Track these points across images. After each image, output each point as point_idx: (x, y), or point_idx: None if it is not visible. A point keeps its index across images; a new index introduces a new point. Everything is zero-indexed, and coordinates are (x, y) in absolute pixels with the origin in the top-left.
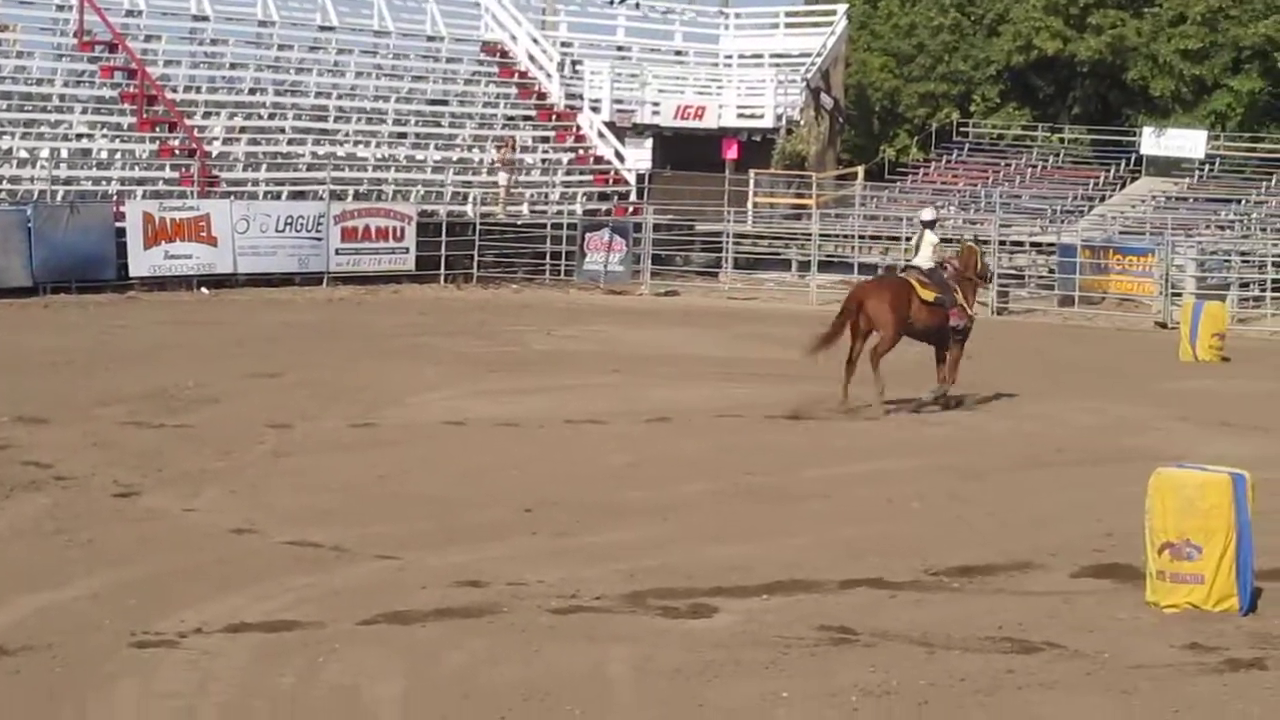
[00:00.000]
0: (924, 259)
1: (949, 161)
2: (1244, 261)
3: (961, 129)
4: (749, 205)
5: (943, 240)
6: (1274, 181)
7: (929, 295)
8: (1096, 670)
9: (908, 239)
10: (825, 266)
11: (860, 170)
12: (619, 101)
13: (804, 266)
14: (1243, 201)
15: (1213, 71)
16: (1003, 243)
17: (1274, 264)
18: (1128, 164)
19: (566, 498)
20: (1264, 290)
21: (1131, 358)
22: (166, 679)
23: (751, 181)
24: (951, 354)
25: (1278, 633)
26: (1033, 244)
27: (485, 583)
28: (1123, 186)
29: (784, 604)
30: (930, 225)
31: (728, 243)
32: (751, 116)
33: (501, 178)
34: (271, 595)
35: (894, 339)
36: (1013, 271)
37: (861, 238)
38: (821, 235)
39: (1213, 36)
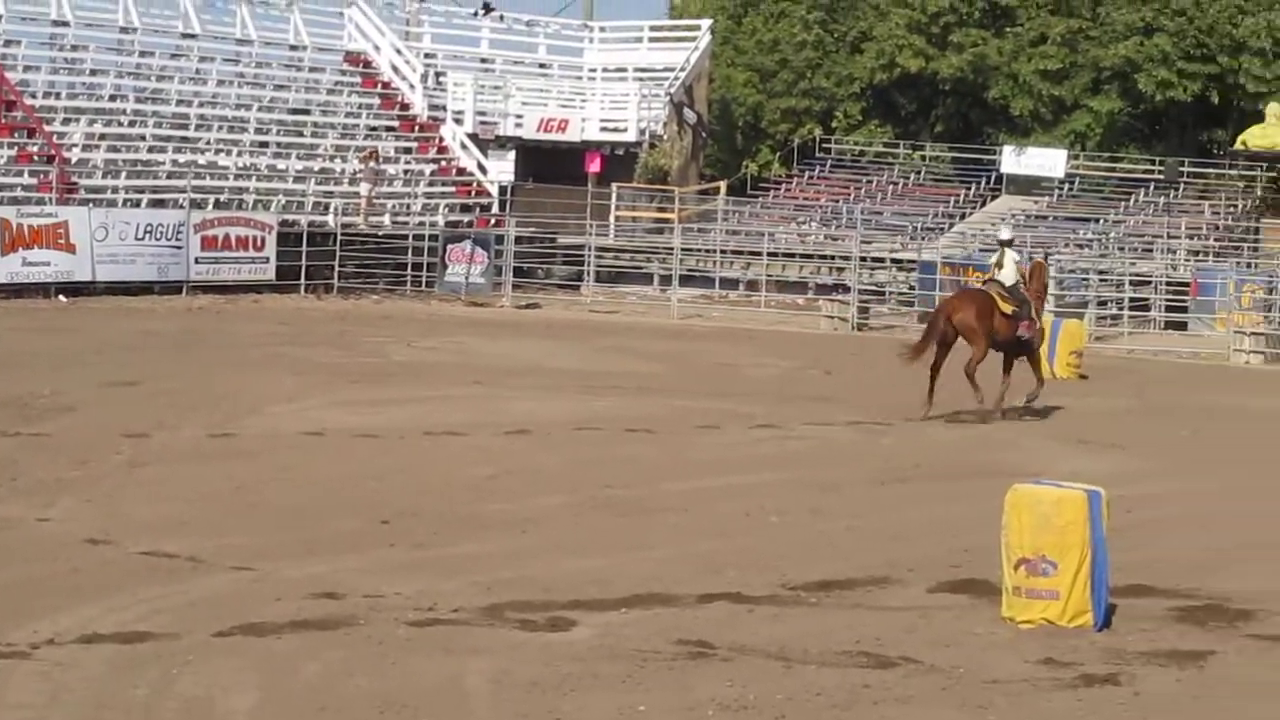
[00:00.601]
0: (1008, 275)
1: (811, 178)
2: (1102, 280)
3: (824, 145)
4: (611, 219)
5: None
6: (1132, 201)
7: (1008, 308)
8: (952, 685)
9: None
10: (687, 281)
11: (723, 185)
12: (482, 113)
13: (665, 280)
14: (1101, 221)
15: (1073, 92)
16: (863, 259)
17: (1131, 283)
18: (988, 182)
19: (425, 509)
20: (1121, 309)
21: (990, 374)
22: (17, 690)
23: (614, 195)
24: (1031, 361)
25: (1131, 649)
26: (893, 260)
27: (342, 594)
28: (983, 204)
29: (642, 617)
30: (1009, 244)
31: (590, 256)
32: (615, 130)
33: (363, 188)
34: (126, 606)
35: (984, 350)
36: (873, 288)
37: (723, 252)
38: (683, 249)
39: (1073, 57)
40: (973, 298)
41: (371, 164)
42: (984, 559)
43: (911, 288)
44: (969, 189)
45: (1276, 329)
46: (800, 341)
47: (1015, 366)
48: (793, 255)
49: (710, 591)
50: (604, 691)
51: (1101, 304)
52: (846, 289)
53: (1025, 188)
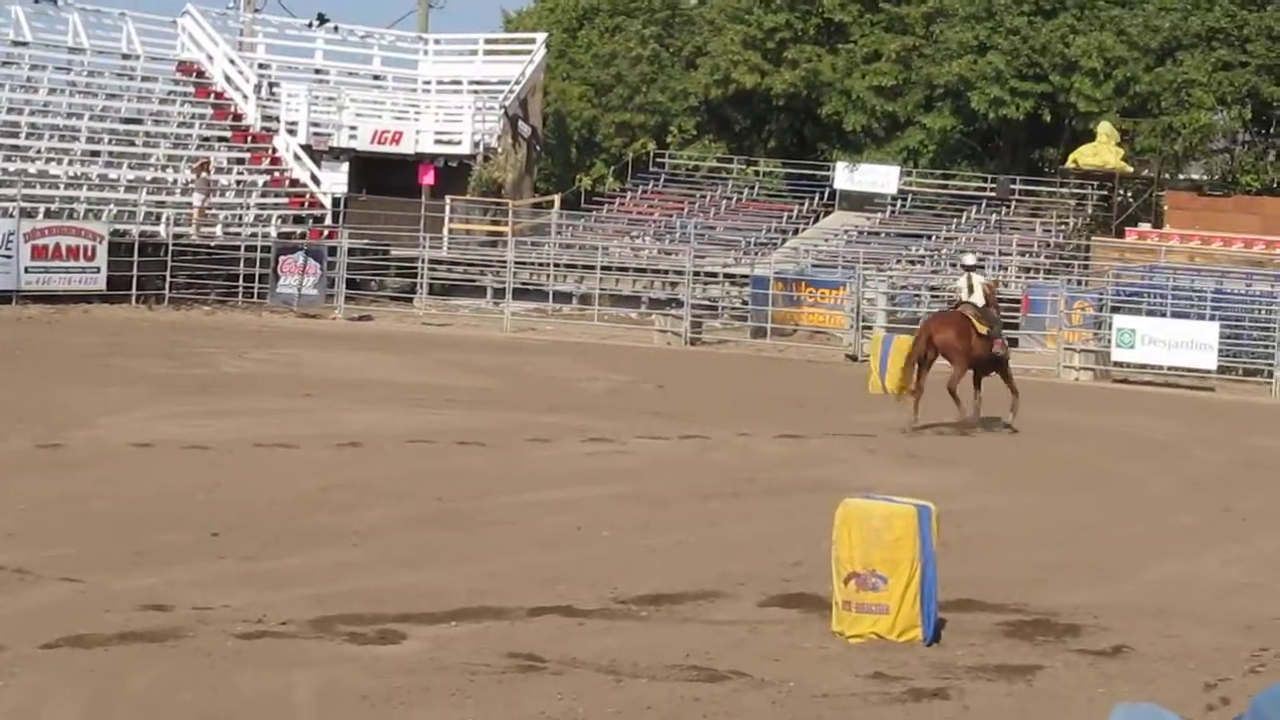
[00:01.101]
0: (979, 298)
1: (645, 192)
2: (933, 296)
3: (658, 160)
4: (445, 231)
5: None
6: (964, 218)
7: (983, 329)
8: (782, 699)
9: (605, 268)
10: (520, 294)
11: (557, 199)
12: (316, 124)
13: (499, 294)
14: (933, 237)
15: (906, 109)
16: (696, 274)
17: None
18: (821, 198)
19: (255, 522)
20: None
21: (822, 390)
22: None
23: (448, 208)
24: (1004, 375)
25: (960, 663)
26: (726, 275)
27: (170, 606)
28: (816, 220)
29: (472, 631)
30: (974, 269)
31: (423, 268)
32: (449, 142)
33: (196, 198)
34: None
35: (965, 367)
36: (706, 302)
37: (557, 265)
38: (517, 263)
39: (906, 74)
40: (951, 320)
41: (204, 175)
42: (814, 573)
43: (744, 303)
44: (802, 204)
45: (1105, 346)
46: (633, 356)
47: (984, 382)
48: (626, 269)
49: (541, 604)
50: (433, 705)
51: None
52: (680, 304)
53: (858, 204)
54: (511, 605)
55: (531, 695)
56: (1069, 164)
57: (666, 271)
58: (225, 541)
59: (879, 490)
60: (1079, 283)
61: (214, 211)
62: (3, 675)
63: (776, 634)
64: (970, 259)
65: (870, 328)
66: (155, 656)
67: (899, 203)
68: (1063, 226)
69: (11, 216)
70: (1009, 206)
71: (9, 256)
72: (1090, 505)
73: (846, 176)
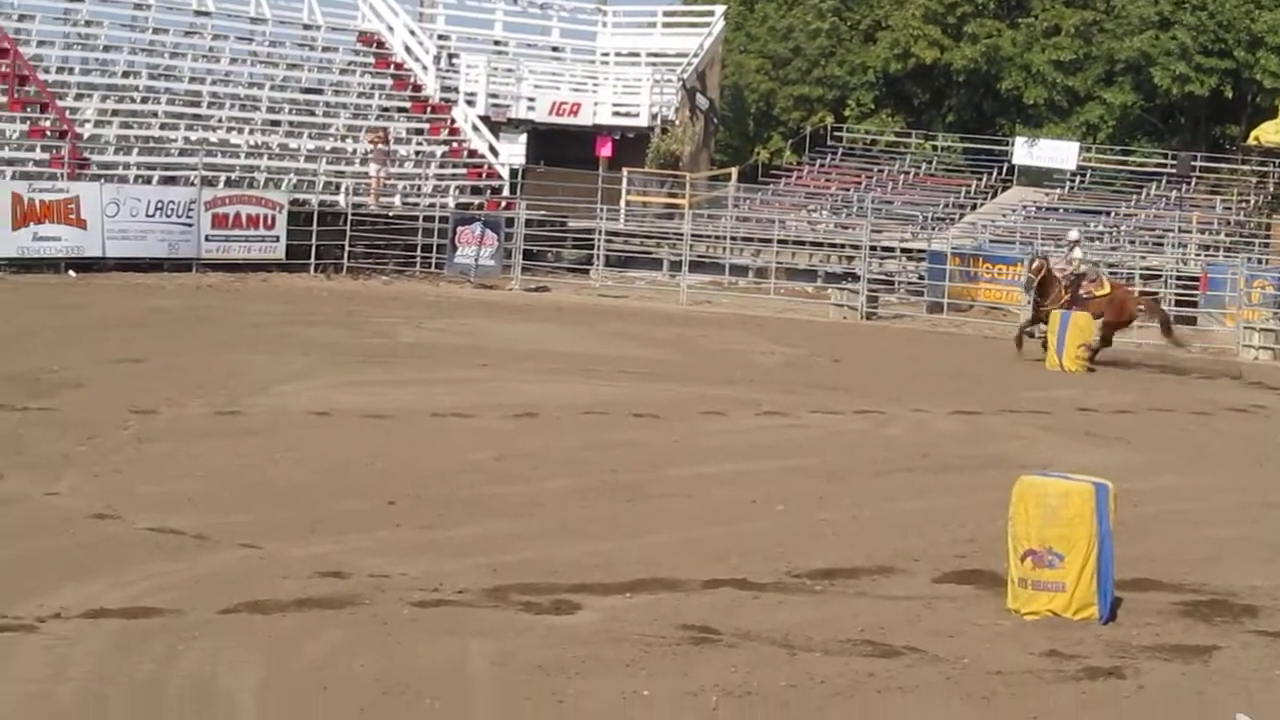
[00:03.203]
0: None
1: (822, 165)
2: (1112, 273)
3: (836, 134)
4: (622, 203)
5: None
6: (1143, 194)
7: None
8: (956, 675)
9: (781, 241)
10: (696, 267)
11: (734, 171)
12: (494, 96)
13: (675, 266)
14: (1112, 214)
15: (1085, 83)
16: (873, 248)
17: (1141, 276)
18: (1000, 173)
19: (431, 491)
20: None
21: (998, 366)
22: (23, 663)
23: (625, 180)
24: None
25: (1136, 642)
26: (903, 250)
27: (347, 574)
28: (994, 195)
29: (646, 602)
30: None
31: (599, 240)
32: (627, 115)
33: (372, 168)
34: (132, 581)
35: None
36: (883, 277)
37: (733, 239)
38: (693, 235)
39: (1086, 49)
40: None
41: (380, 145)
42: (989, 550)
43: (921, 278)
44: (980, 180)
45: None
46: (808, 330)
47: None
48: (803, 243)
49: (715, 577)
50: (607, 675)
51: None
52: (856, 278)
53: (1036, 179)
54: (685, 577)
55: (705, 667)
56: (1250, 141)
57: (843, 246)
58: (401, 510)
59: (1055, 467)
60: (1259, 261)
61: (392, 182)
62: (182, 639)
63: (951, 610)
64: (1075, 234)
65: None
66: (332, 623)
67: (1077, 178)
68: (1243, 204)
69: (193, 185)
70: (1189, 183)
71: (190, 225)
72: (1270, 485)
73: (1025, 152)
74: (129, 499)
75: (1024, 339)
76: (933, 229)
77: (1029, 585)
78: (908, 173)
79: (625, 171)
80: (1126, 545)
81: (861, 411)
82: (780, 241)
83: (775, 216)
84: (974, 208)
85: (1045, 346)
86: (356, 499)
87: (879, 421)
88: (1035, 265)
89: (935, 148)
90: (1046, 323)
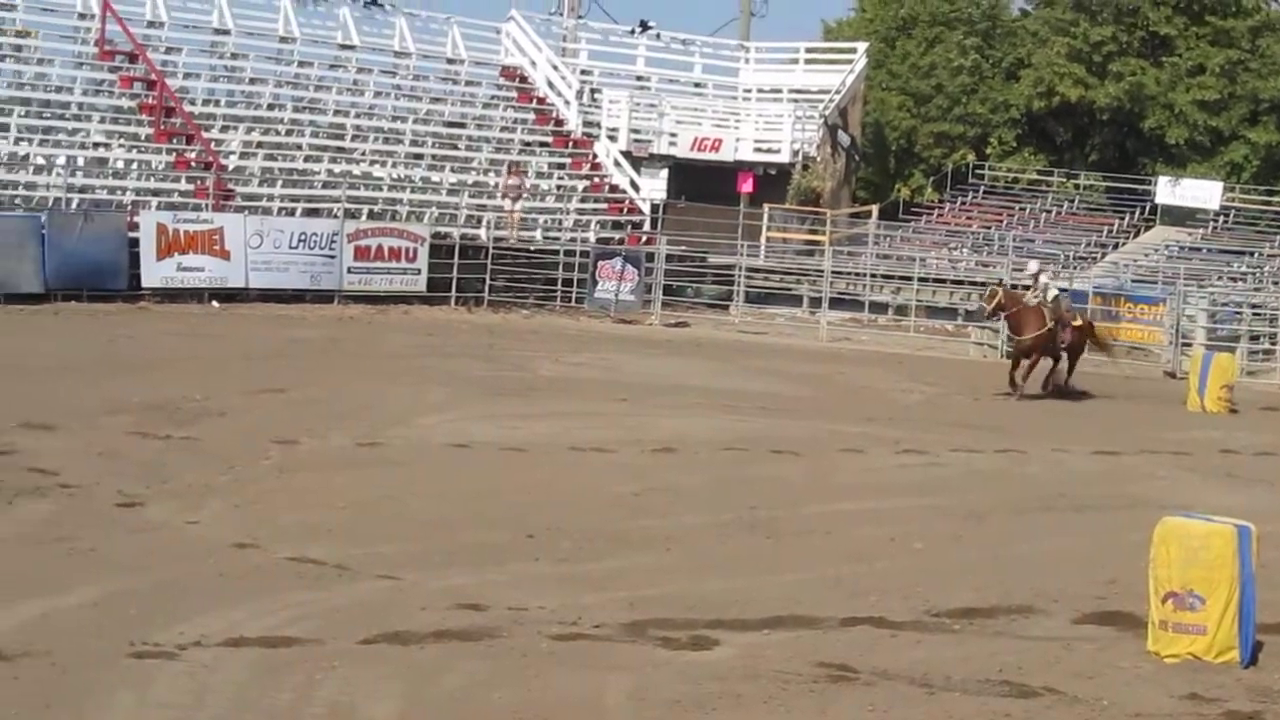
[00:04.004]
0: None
1: (963, 203)
2: (1255, 314)
3: (977, 171)
4: (762, 239)
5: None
6: None
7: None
8: (1095, 717)
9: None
10: (837, 304)
11: (875, 209)
12: (636, 131)
13: (815, 303)
14: (1256, 254)
15: (1230, 123)
16: (1014, 286)
17: None
18: (1142, 212)
19: (569, 525)
20: (1274, 343)
21: (1139, 406)
22: (163, 690)
23: (765, 215)
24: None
25: (1277, 686)
26: None
27: (485, 606)
28: (1136, 235)
29: (784, 639)
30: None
31: (740, 276)
32: (768, 151)
33: (506, 203)
34: (271, 610)
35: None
36: None
37: (874, 276)
38: (834, 272)
39: (1231, 88)
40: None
41: (513, 180)
42: (1129, 591)
43: None
44: (1123, 219)
45: None
46: (948, 368)
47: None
48: (943, 281)
49: (853, 615)
50: (744, 712)
51: (1254, 338)
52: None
53: (1180, 219)
54: (823, 615)
55: (843, 705)
56: None
57: (984, 284)
58: (540, 543)
59: (1196, 509)
60: None
61: (532, 216)
62: (322, 669)
63: (1090, 651)
64: (1034, 265)
65: (1190, 345)
66: (470, 655)
67: (1221, 218)
68: None
69: (336, 217)
70: None
71: (332, 257)
72: None
73: (1168, 191)
74: (270, 528)
75: (1016, 380)
76: (1074, 268)
77: (1169, 628)
78: (1049, 211)
79: (766, 207)
80: (1268, 589)
81: (1001, 450)
82: (921, 279)
83: (916, 254)
84: (1116, 247)
85: (1013, 382)
86: (495, 531)
87: (1018, 460)
88: (989, 293)
89: (1077, 186)
90: (1035, 356)
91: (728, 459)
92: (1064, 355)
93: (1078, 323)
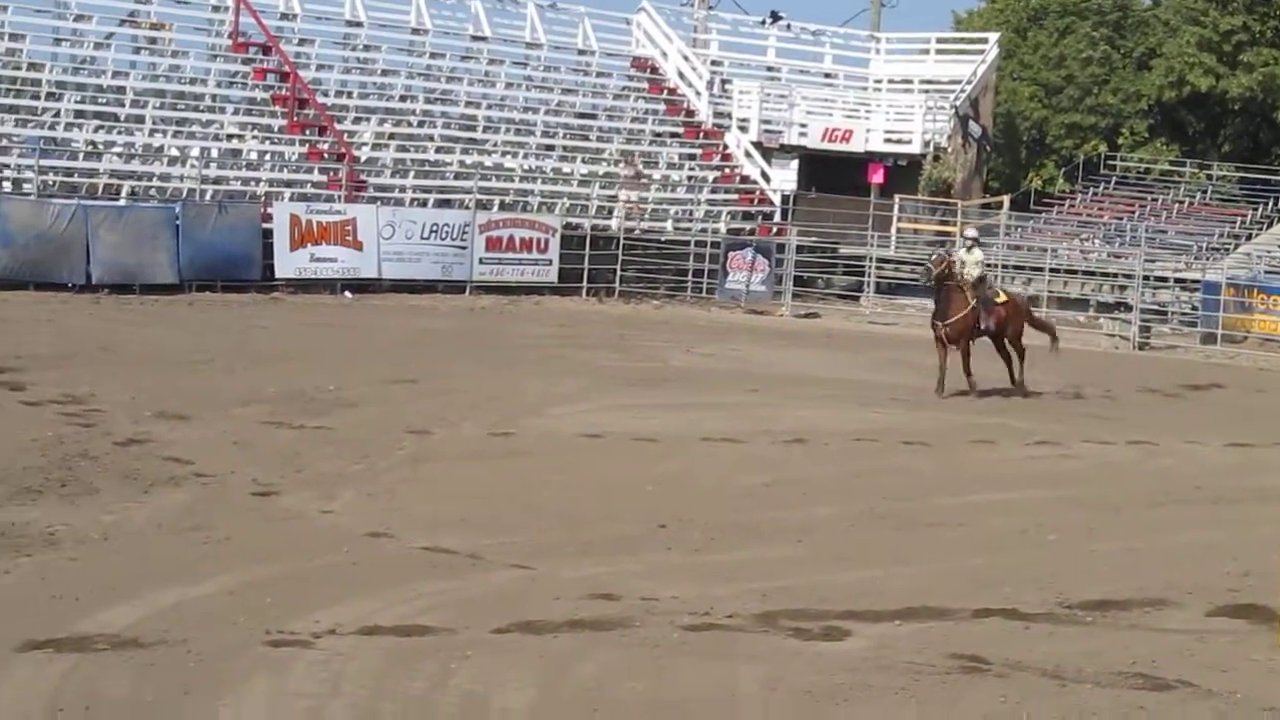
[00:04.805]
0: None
1: (1095, 194)
2: None
3: (1109, 162)
4: (893, 230)
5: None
6: None
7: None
8: (1229, 711)
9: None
10: None
11: (1005, 199)
12: (766, 122)
13: None
14: None
15: None
16: (1146, 278)
17: None
18: (1276, 203)
19: (701, 515)
20: None
21: (1273, 398)
22: (299, 678)
23: (896, 206)
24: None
25: None
26: (1176, 280)
27: (618, 596)
28: (1270, 226)
29: (916, 630)
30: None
31: (870, 267)
32: (899, 141)
33: (623, 194)
34: (405, 600)
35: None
36: (1155, 307)
37: (1005, 267)
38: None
39: None
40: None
41: (627, 170)
42: (1264, 584)
43: (1194, 308)
44: (1256, 209)
45: None
46: (1079, 359)
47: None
48: (1074, 272)
49: (985, 607)
50: (876, 703)
51: None
52: (1128, 307)
53: None
54: (955, 606)
55: (974, 697)
56: None
57: (1115, 275)
58: (672, 533)
59: None
60: None
61: (661, 206)
62: (456, 658)
63: (1224, 644)
64: (973, 231)
65: None
66: (603, 644)
67: None
68: None
69: (467, 209)
70: None
71: (464, 248)
72: None
73: None
74: (403, 518)
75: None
76: (1207, 259)
77: None
78: (1182, 202)
79: (897, 198)
80: None
81: (1134, 442)
82: (1052, 270)
83: (1047, 245)
84: (1249, 238)
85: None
86: (627, 522)
87: (1151, 452)
88: (936, 258)
89: (1210, 177)
90: (953, 344)
91: (859, 450)
92: (1005, 344)
93: (1001, 299)
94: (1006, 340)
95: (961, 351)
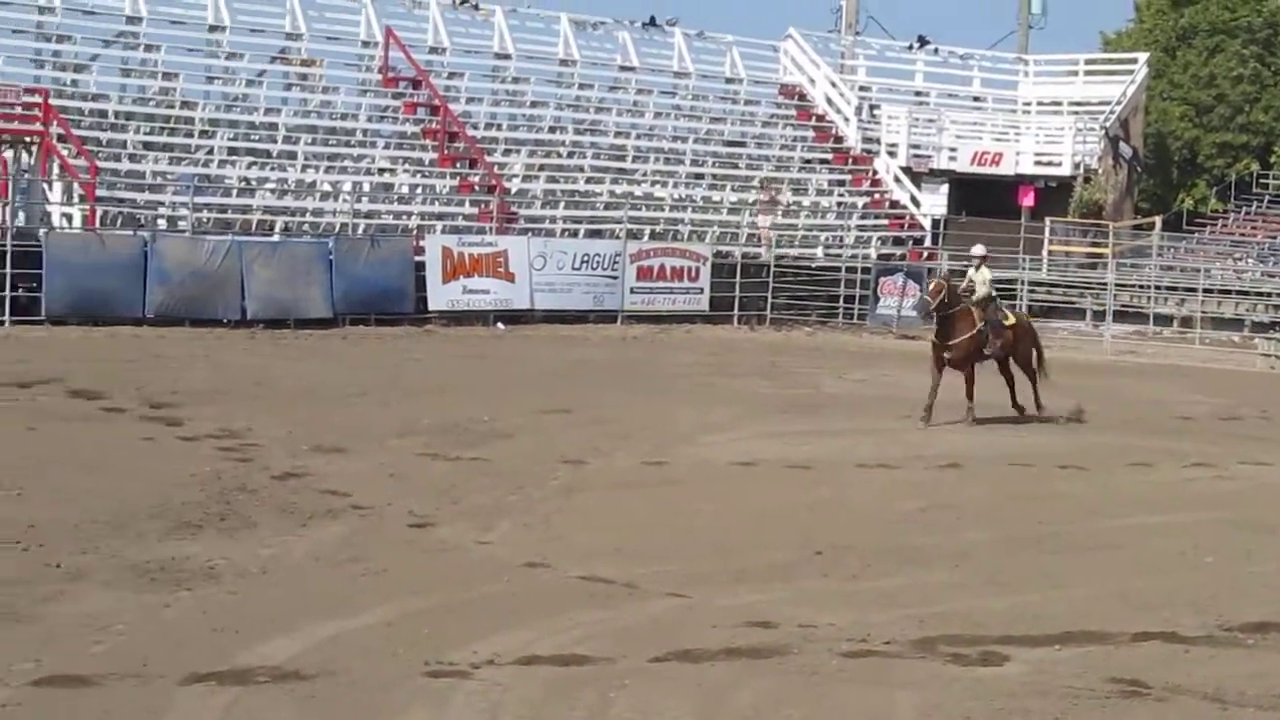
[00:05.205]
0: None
1: (1247, 213)
2: None
3: (1262, 180)
4: (1044, 253)
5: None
6: None
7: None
8: None
9: (1207, 290)
10: (1120, 317)
11: (1158, 220)
12: (915, 146)
13: (1099, 316)
14: None
15: None
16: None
17: None
18: None
19: (857, 541)
20: None
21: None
22: (458, 709)
23: (1047, 229)
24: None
25: None
26: None
27: (775, 624)
28: None
29: (1074, 655)
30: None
31: (1022, 290)
32: (1049, 164)
33: (761, 219)
34: (563, 629)
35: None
36: None
37: (1158, 288)
38: (1117, 285)
39: None
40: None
41: (764, 196)
42: None
43: None
44: None
45: None
46: (1235, 380)
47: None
48: (1229, 292)
49: (1144, 630)
50: None
51: None
52: None
53: None
54: (1114, 630)
55: None
56: None
57: (1270, 294)
58: (828, 560)
59: None
60: None
61: (812, 233)
62: (614, 687)
63: None
64: (980, 249)
65: None
66: (760, 672)
67: None
68: None
69: (618, 238)
70: None
71: (615, 277)
72: None
73: None
74: (559, 548)
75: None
76: None
77: None
78: None
79: (1047, 221)
80: None
81: None
82: (1206, 290)
83: (1200, 265)
84: None
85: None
86: (782, 549)
87: None
88: (934, 287)
89: None
90: (957, 368)
91: (1013, 474)
92: (1013, 367)
93: (1009, 321)
94: (1014, 363)
95: (966, 376)
